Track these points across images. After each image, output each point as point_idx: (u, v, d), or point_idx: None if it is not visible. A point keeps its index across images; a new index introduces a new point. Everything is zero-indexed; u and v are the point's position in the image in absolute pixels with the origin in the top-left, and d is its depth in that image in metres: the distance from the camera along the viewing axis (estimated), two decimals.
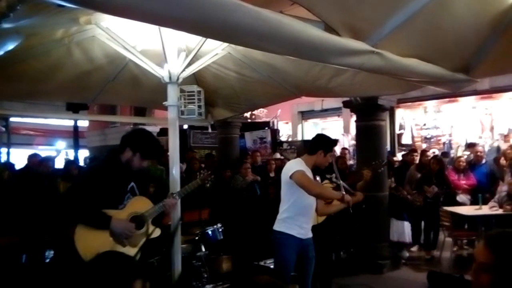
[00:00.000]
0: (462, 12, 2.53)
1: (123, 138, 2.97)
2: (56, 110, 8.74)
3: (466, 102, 9.56)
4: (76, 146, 10.36)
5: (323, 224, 4.45)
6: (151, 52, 3.61)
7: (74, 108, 7.38)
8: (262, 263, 4.58)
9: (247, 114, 10.61)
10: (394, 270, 6.05)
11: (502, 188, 6.25)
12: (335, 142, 3.91)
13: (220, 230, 4.67)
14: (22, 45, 3.20)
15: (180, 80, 3.55)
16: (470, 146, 8.44)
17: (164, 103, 3.58)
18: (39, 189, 5.59)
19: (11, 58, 3.42)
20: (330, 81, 4.01)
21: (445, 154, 8.07)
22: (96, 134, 13.53)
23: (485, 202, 6.09)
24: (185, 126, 9.25)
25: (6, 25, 2.15)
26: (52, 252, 5.60)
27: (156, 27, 3.10)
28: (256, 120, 11.26)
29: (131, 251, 2.79)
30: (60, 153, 11.44)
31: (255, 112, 11.06)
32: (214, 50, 3.72)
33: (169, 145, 3.57)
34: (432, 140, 10.16)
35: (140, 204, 2.95)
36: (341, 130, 11.02)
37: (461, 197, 6.80)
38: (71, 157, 10.78)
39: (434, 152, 8.87)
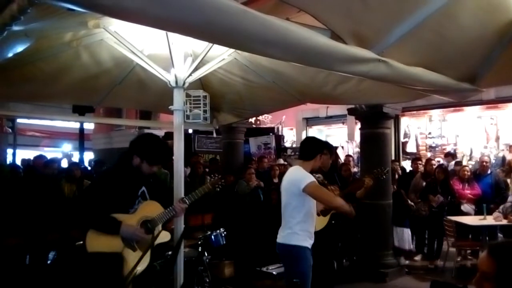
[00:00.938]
0: (468, 22, 2.54)
1: (131, 145, 3.00)
2: (62, 112, 8.81)
3: (472, 112, 9.53)
4: (82, 149, 10.41)
5: (324, 231, 4.44)
6: (158, 56, 3.64)
7: (80, 110, 7.43)
8: (264, 269, 4.58)
9: (252, 120, 10.62)
10: (397, 279, 6.01)
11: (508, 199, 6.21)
12: (326, 143, 3.81)
13: (223, 235, 4.67)
14: (31, 47, 3.24)
15: (186, 84, 3.57)
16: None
17: (170, 107, 3.60)
18: (44, 191, 5.62)
19: (19, 60, 3.46)
20: (335, 88, 4.02)
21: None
22: (101, 137, 13.60)
23: (489, 212, 6.05)
24: (190, 130, 9.28)
25: (16, 28, 2.18)
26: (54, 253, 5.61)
27: (164, 32, 3.13)
28: (261, 126, 11.27)
29: (137, 255, 2.80)
30: (66, 156, 11.48)
31: (260, 117, 11.08)
32: (220, 56, 3.74)
33: (174, 149, 3.59)
34: (437, 149, 10.11)
35: (151, 209, 2.97)
36: (345, 137, 11.00)
37: (465, 207, 6.76)
38: (76, 159, 10.82)
39: (439, 161, 8.83)
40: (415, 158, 8.11)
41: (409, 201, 6.72)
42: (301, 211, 3.36)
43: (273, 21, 2.05)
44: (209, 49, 3.47)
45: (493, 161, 8.31)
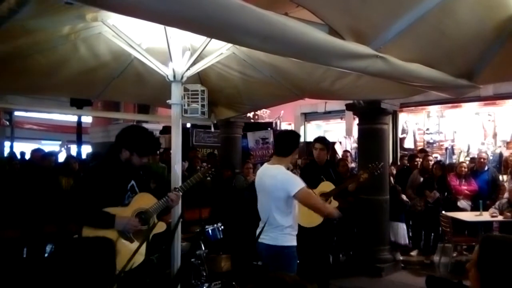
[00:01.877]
0: (466, 18, 2.54)
1: (117, 138, 2.96)
2: (60, 106, 8.78)
3: (469, 108, 9.55)
4: (79, 142, 10.40)
5: (320, 225, 4.47)
6: (156, 50, 3.63)
7: (78, 104, 7.43)
8: (261, 263, 4.59)
9: (250, 114, 10.64)
10: (393, 274, 6.05)
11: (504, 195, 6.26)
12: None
13: (221, 229, 4.69)
14: (28, 40, 3.23)
15: (184, 79, 3.56)
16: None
17: (167, 101, 3.59)
18: (41, 184, 5.63)
19: (17, 53, 3.45)
20: (334, 84, 4.02)
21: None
22: (99, 130, 13.59)
23: (486, 209, 6.08)
24: (188, 125, 9.28)
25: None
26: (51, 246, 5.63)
27: (162, 26, 3.12)
28: (259, 121, 11.28)
29: (133, 246, 2.81)
30: (64, 149, 11.47)
31: (258, 112, 11.08)
32: (218, 50, 3.73)
33: (172, 143, 3.59)
34: (434, 145, 10.14)
35: (144, 200, 2.97)
36: (343, 133, 11.02)
37: (462, 203, 6.80)
38: (73, 153, 10.81)
39: (436, 157, 8.86)
40: (411, 155, 8.13)
41: (403, 196, 6.74)
42: (290, 214, 3.32)
43: (271, 16, 2.05)
44: (207, 44, 3.46)
45: (491, 158, 8.35)
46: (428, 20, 2.45)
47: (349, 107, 6.62)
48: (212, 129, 9.85)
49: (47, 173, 5.97)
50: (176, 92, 3.55)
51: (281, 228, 3.31)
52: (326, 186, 4.62)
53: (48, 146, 12.39)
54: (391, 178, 7.17)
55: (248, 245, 5.08)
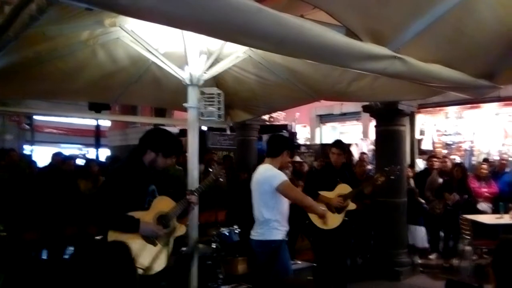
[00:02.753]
0: (486, 17, 2.49)
1: (142, 141, 2.99)
2: (79, 110, 8.91)
3: (489, 109, 9.35)
4: (98, 145, 10.56)
5: (337, 228, 4.44)
6: (173, 54, 3.67)
7: (97, 108, 7.53)
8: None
9: (266, 117, 10.61)
10: (411, 277, 5.96)
11: None
12: (294, 140, 3.91)
13: (237, 231, 4.69)
14: (48, 46, 3.30)
15: (201, 82, 3.59)
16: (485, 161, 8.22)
17: (184, 104, 3.62)
18: (61, 187, 5.72)
19: (37, 59, 3.53)
20: (350, 85, 4.00)
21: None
22: (117, 134, 13.76)
23: (507, 211, 5.95)
24: (204, 127, 9.32)
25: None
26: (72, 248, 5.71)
27: (179, 30, 3.15)
28: (274, 123, 11.25)
29: (163, 250, 2.86)
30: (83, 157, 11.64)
31: (274, 114, 11.05)
32: (234, 53, 3.75)
33: (188, 146, 3.62)
34: (453, 146, 9.96)
35: (164, 204, 2.98)
36: (360, 135, 10.92)
37: (482, 205, 6.66)
38: (92, 156, 10.96)
39: (454, 159, 8.70)
40: (430, 156, 8.01)
41: (420, 198, 6.64)
42: (275, 208, 3.46)
43: (287, 19, 2.05)
44: (223, 47, 3.48)
45: (511, 159, 8.16)
46: (448, 20, 2.41)
47: (365, 108, 6.55)
48: (228, 132, 9.87)
49: (67, 176, 6.07)
50: (193, 96, 3.58)
51: (267, 223, 3.47)
52: (343, 188, 4.58)
53: (68, 149, 12.61)
54: (411, 180, 7.07)
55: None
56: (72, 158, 6.77)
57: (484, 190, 6.70)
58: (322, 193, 4.50)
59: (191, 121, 3.60)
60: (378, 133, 6.47)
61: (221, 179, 3.74)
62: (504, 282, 1.48)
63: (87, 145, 14.49)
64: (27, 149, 12.59)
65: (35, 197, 5.48)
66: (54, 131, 15.70)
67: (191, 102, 3.58)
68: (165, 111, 10.61)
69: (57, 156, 6.79)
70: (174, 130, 11.23)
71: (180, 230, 3.04)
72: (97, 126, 10.65)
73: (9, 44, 2.51)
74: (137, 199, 2.85)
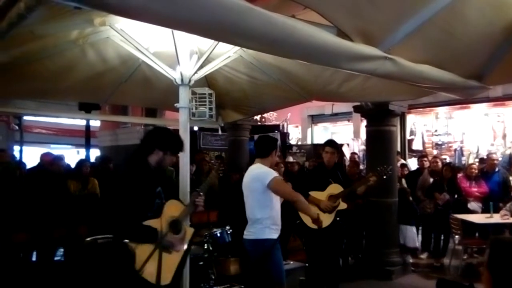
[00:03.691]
0: (475, 19, 2.52)
1: (147, 141, 2.95)
2: (68, 110, 8.84)
3: (478, 109, 9.46)
4: (88, 146, 10.45)
5: (329, 228, 4.45)
6: (164, 54, 3.65)
7: (87, 108, 7.47)
8: None
9: (257, 117, 10.63)
10: (403, 277, 6.00)
11: None
12: (286, 140, 3.96)
13: (229, 232, 4.68)
14: (37, 45, 3.26)
15: (192, 82, 3.57)
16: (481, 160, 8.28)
17: (175, 104, 3.60)
18: (50, 188, 5.65)
19: (25, 58, 3.48)
20: (341, 86, 4.01)
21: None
22: (107, 134, 13.64)
23: (497, 210, 6.01)
24: (195, 128, 9.29)
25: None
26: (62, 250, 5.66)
27: (169, 29, 3.13)
28: (266, 123, 11.27)
29: (176, 256, 2.83)
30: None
31: (265, 115, 11.08)
32: (226, 53, 3.74)
33: None
34: (443, 146, 10.05)
35: (173, 208, 2.94)
36: (351, 135, 10.97)
37: (472, 205, 6.72)
38: (82, 157, 10.85)
39: (445, 159, 8.78)
40: (421, 155, 8.07)
41: (410, 198, 6.68)
42: (268, 206, 3.50)
43: (279, 19, 2.05)
44: (215, 47, 3.47)
45: (500, 159, 8.25)
46: (437, 21, 2.43)
47: (356, 109, 6.58)
48: (220, 132, 9.85)
49: (56, 177, 6.00)
50: (184, 96, 3.56)
51: (260, 222, 3.50)
52: (335, 188, 4.59)
53: (57, 150, 12.48)
54: (402, 180, 7.11)
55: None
56: (62, 158, 6.68)
57: (474, 189, 6.76)
58: (313, 193, 4.51)
59: (183, 121, 3.58)
60: (369, 133, 6.50)
61: (221, 174, 3.76)
62: (501, 282, 1.50)
63: (77, 145, 14.36)
64: (16, 149, 12.43)
65: (24, 198, 5.41)
66: (44, 131, 15.52)
67: (182, 102, 3.56)
68: (156, 111, 10.57)
69: (45, 157, 6.70)
70: None
71: (189, 233, 3.01)
72: (87, 127, 10.54)
73: None
74: (147, 202, 2.78)
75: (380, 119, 6.19)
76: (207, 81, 4.49)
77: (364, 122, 7.00)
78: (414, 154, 9.98)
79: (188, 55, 3.49)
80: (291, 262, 4.66)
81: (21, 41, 3.05)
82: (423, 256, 6.86)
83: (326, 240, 4.49)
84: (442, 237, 6.66)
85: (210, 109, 3.78)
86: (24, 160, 8.78)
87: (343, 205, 4.58)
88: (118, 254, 2.58)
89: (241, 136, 8.18)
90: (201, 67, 3.58)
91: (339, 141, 10.25)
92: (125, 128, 12.75)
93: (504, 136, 9.18)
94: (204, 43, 3.60)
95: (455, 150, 9.73)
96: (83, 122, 11.17)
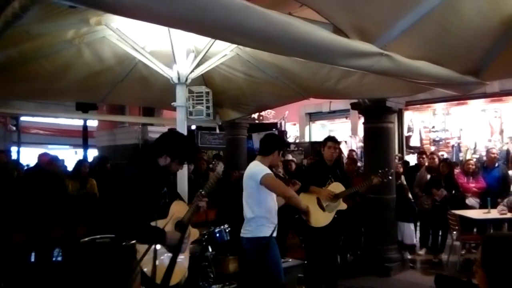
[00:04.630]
0: (471, 14, 2.52)
1: (160, 144, 2.92)
2: (66, 110, 8.81)
3: (476, 105, 9.47)
4: (85, 146, 10.43)
5: (327, 225, 4.45)
6: (160, 53, 3.64)
7: (84, 108, 7.44)
8: None
9: (255, 115, 10.62)
10: (401, 273, 6.01)
11: None
12: (285, 140, 3.92)
13: (227, 230, 4.68)
14: (32, 45, 3.25)
15: (189, 81, 3.57)
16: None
17: (172, 103, 3.60)
18: (48, 188, 5.64)
19: (22, 58, 3.48)
20: (338, 83, 4.01)
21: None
22: (105, 134, 13.60)
23: (494, 206, 6.03)
24: (193, 127, 9.28)
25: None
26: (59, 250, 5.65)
27: (166, 28, 3.12)
28: (264, 121, 11.26)
29: (181, 257, 2.83)
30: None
31: (263, 113, 11.06)
32: (222, 51, 3.74)
33: None
34: (441, 142, 10.07)
35: (179, 209, 2.93)
36: (348, 132, 10.98)
37: (470, 201, 6.74)
38: (81, 157, 10.84)
39: (442, 155, 8.79)
40: (420, 152, 8.09)
41: (409, 195, 6.70)
42: (262, 204, 3.50)
43: (275, 16, 2.05)
44: (211, 45, 3.46)
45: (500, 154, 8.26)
46: (433, 17, 2.43)
47: (354, 106, 6.59)
48: (217, 131, 9.85)
49: (54, 177, 5.99)
50: (181, 94, 3.56)
51: (256, 220, 3.51)
52: (336, 187, 4.59)
53: (55, 150, 12.44)
54: (402, 177, 7.12)
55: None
56: (59, 159, 6.66)
57: (472, 185, 6.78)
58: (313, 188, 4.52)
59: (180, 120, 3.59)
60: (366, 130, 6.51)
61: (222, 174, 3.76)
62: (497, 279, 1.48)
63: (75, 145, 14.33)
64: (13, 150, 12.39)
65: (22, 199, 5.40)
66: (41, 132, 15.47)
67: (180, 101, 3.56)
68: (153, 111, 10.54)
69: (43, 157, 6.69)
70: (163, 129, 11.18)
71: (194, 234, 3.01)
72: (85, 127, 10.51)
73: None
74: (154, 202, 2.77)
75: (378, 116, 6.20)
76: (204, 79, 4.49)
77: (362, 119, 7.01)
78: (412, 150, 9.99)
79: (184, 54, 3.49)
80: (290, 260, 4.66)
81: (17, 41, 3.04)
82: (421, 252, 6.88)
83: (324, 237, 4.50)
84: (440, 233, 6.68)
85: (207, 107, 3.78)
86: (21, 161, 8.76)
87: (343, 205, 4.58)
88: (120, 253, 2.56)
89: (239, 135, 8.16)
90: (198, 65, 3.58)
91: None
92: (123, 127, 12.72)
93: (501, 132, 9.20)
94: (201, 42, 3.60)
95: (453, 146, 9.74)
96: (80, 122, 11.15)
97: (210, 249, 4.50)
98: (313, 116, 12.28)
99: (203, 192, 3.16)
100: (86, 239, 2.96)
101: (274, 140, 3.75)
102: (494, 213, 5.86)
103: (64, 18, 2.83)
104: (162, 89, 4.29)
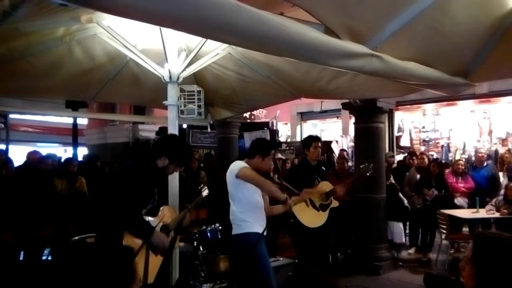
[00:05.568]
0: (461, 16, 2.55)
1: (159, 146, 2.99)
2: (55, 108, 8.74)
3: (465, 106, 9.58)
4: (75, 144, 10.35)
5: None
6: (152, 51, 3.63)
7: (74, 106, 7.40)
8: None
9: (247, 114, 10.61)
10: (391, 272, 6.06)
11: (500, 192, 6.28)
12: (273, 146, 3.88)
13: (219, 229, 4.68)
14: (22, 42, 3.22)
15: (180, 79, 3.56)
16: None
17: (164, 102, 3.59)
18: (37, 186, 5.59)
19: (11, 55, 3.44)
20: (330, 83, 4.03)
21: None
22: (95, 132, 13.52)
23: (483, 206, 6.10)
24: (184, 125, 9.26)
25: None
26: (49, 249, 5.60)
27: (157, 26, 3.11)
28: (256, 121, 11.27)
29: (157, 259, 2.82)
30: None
31: (255, 112, 11.06)
32: (214, 50, 3.73)
33: None
34: (430, 143, 10.17)
35: (168, 214, 3.05)
36: (340, 132, 11.03)
37: (458, 200, 6.81)
38: (69, 155, 10.75)
39: (432, 155, 8.87)
40: (409, 152, 8.15)
41: (400, 195, 6.75)
42: (243, 200, 3.50)
43: (267, 16, 2.05)
44: (203, 44, 3.46)
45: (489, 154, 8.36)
46: (423, 19, 2.46)
47: (345, 106, 6.62)
48: (209, 130, 9.83)
49: (43, 176, 5.93)
50: (172, 93, 3.54)
51: (238, 217, 3.52)
52: (325, 185, 4.62)
53: (44, 148, 12.32)
54: (391, 176, 7.18)
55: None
56: (49, 157, 6.60)
57: (461, 185, 6.85)
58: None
59: (171, 119, 3.57)
60: (357, 130, 6.55)
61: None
62: (486, 277, 1.49)
63: (64, 143, 14.20)
64: (2, 148, 12.25)
65: (10, 197, 5.34)
66: (30, 129, 15.30)
67: (171, 99, 3.55)
68: (144, 109, 10.50)
69: (32, 155, 6.62)
70: (154, 128, 11.15)
71: (174, 241, 3.04)
72: (75, 125, 10.43)
73: None
74: (144, 200, 2.85)
75: (368, 116, 6.24)
76: (196, 78, 4.48)
77: (353, 119, 7.04)
78: (402, 150, 10.07)
79: (176, 53, 3.48)
80: (281, 259, 4.68)
81: (6, 38, 3.01)
82: (411, 251, 6.94)
83: (315, 236, 4.53)
84: (429, 232, 6.75)
85: (199, 106, 3.78)
86: (10, 159, 8.64)
87: (335, 203, 4.61)
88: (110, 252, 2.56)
89: (230, 134, 8.16)
90: (190, 64, 3.57)
91: (328, 138, 10.34)
92: (113, 126, 12.65)
93: (490, 132, 9.31)
94: (192, 40, 3.59)
95: (442, 146, 9.84)
96: (70, 120, 11.06)
97: (201, 248, 4.50)
98: (304, 116, 12.32)
99: (189, 206, 3.27)
100: (77, 238, 2.95)
101: (258, 145, 3.69)
102: (482, 213, 5.94)
103: (55, 16, 2.81)
104: (153, 87, 4.27)
